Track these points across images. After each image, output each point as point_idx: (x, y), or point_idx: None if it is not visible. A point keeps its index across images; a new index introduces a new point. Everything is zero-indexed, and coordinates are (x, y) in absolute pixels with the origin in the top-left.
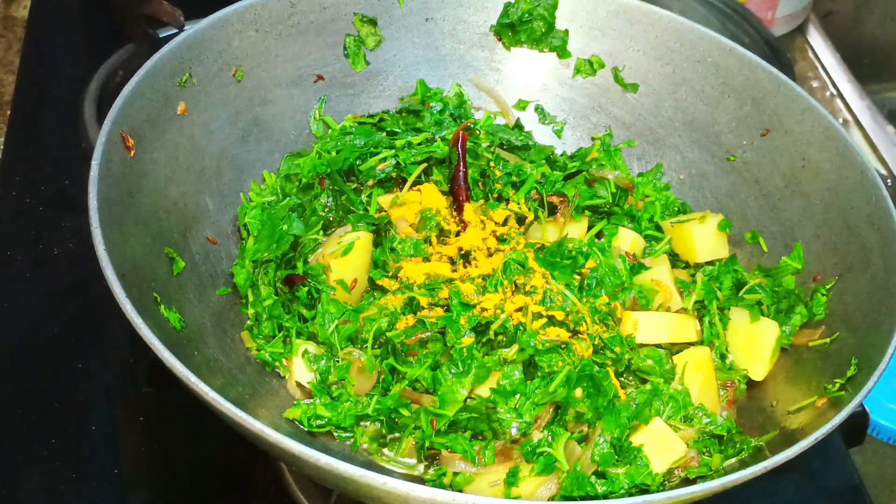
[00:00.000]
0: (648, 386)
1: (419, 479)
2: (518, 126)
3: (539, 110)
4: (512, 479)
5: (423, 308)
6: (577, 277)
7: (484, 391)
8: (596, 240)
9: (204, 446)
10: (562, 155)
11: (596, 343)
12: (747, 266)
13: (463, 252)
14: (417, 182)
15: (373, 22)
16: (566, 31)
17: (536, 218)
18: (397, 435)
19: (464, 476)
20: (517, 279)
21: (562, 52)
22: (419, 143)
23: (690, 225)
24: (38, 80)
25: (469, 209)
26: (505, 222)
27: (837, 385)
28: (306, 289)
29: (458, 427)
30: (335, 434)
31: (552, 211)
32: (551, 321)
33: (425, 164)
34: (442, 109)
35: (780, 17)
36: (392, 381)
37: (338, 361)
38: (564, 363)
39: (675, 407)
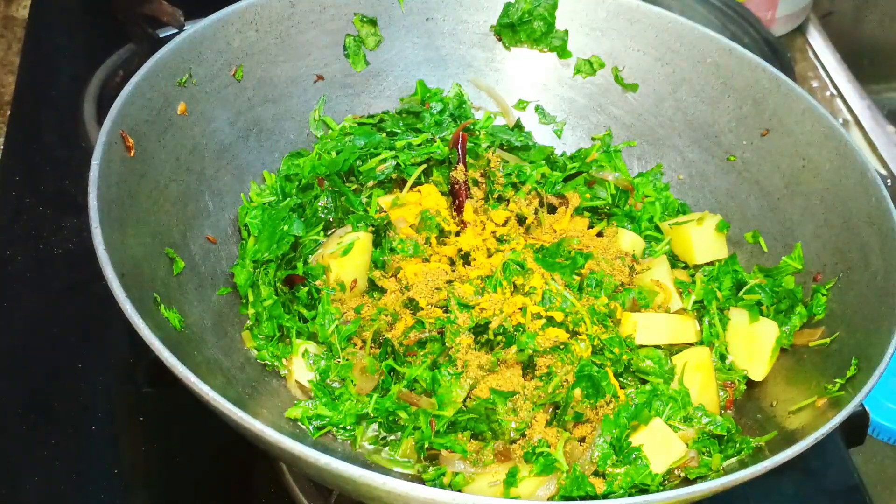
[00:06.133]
0: (648, 386)
1: (419, 479)
2: (518, 126)
3: (539, 110)
4: (511, 479)
5: (423, 309)
6: (577, 278)
7: (483, 392)
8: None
9: (204, 446)
10: (562, 155)
11: (595, 344)
12: (747, 266)
13: (462, 253)
14: (417, 183)
15: (373, 22)
16: (566, 31)
17: (537, 218)
18: (397, 435)
19: (463, 476)
20: (516, 280)
21: (562, 52)
22: (419, 144)
23: (688, 227)
24: (38, 80)
25: (469, 209)
26: (505, 223)
27: (837, 385)
28: (306, 289)
29: (457, 427)
30: (335, 434)
31: (552, 212)
32: (550, 322)
33: (425, 165)
34: (442, 110)
35: (780, 17)
36: (391, 381)
37: (338, 361)
38: (563, 364)
39: (675, 407)
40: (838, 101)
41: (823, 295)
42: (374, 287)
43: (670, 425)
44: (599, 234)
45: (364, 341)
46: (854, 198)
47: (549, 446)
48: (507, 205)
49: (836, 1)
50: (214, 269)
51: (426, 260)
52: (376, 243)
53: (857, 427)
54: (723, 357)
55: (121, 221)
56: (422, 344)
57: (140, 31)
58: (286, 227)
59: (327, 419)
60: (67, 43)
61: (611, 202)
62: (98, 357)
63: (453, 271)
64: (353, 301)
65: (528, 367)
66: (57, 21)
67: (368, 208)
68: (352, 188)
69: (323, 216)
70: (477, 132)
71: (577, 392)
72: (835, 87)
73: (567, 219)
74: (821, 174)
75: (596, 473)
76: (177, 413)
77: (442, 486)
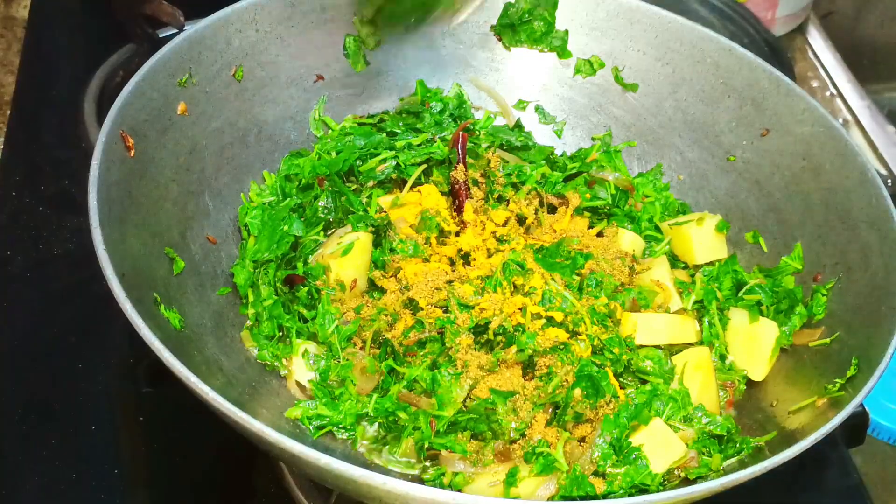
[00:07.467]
0: (648, 386)
1: (419, 479)
2: (518, 126)
3: (539, 110)
4: (511, 479)
5: (422, 309)
6: (577, 278)
7: (483, 392)
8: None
9: (204, 446)
10: (562, 155)
11: (595, 344)
12: (747, 266)
13: (462, 253)
14: (417, 183)
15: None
16: (566, 31)
17: (537, 218)
18: (397, 435)
19: (463, 476)
20: (516, 280)
21: (562, 52)
22: (419, 144)
23: (688, 227)
24: (38, 80)
25: (469, 209)
26: (505, 223)
27: (837, 385)
28: (306, 289)
29: (457, 427)
30: (335, 434)
31: (552, 212)
32: (550, 322)
33: (425, 165)
34: (442, 110)
35: (780, 17)
36: (391, 381)
37: (338, 361)
38: (563, 364)
39: (675, 407)
40: (838, 101)
41: (823, 295)
42: (374, 287)
43: (670, 425)
44: (599, 234)
45: (364, 341)
46: (854, 198)
47: (549, 446)
48: (507, 205)
49: (836, 1)
50: (214, 269)
51: (426, 260)
52: (376, 243)
53: (857, 427)
54: (723, 357)
55: (121, 221)
56: (422, 344)
57: (140, 31)
58: (286, 227)
59: (327, 419)
60: (67, 43)
61: (611, 202)
62: (98, 357)
63: (453, 271)
64: (353, 301)
65: (528, 367)
66: (57, 21)
67: (368, 208)
68: (352, 188)
69: (323, 216)
70: (477, 132)
71: (577, 392)
72: (835, 87)
73: (567, 219)
74: (821, 174)
75: (596, 473)
76: (177, 413)
77: (442, 486)
